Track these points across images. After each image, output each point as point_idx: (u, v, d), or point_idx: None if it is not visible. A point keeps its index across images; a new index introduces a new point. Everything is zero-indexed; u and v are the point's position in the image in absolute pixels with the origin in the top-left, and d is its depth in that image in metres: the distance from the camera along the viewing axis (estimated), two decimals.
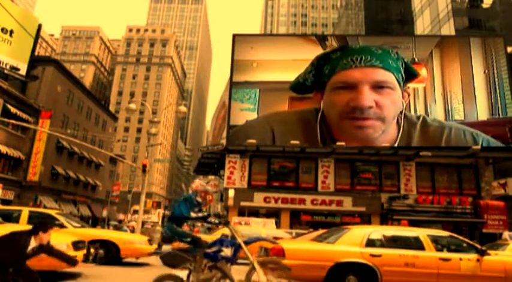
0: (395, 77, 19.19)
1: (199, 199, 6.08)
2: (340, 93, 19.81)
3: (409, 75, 20.14)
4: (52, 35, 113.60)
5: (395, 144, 21.97)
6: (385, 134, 21.10)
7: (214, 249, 5.76)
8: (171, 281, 5.52)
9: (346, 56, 19.82)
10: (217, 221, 6.01)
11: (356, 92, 19.33)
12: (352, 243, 6.96)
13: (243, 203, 23.37)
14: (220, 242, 5.86)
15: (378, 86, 19.19)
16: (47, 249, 4.72)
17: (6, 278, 4.47)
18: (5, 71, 27.61)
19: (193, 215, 5.96)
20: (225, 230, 14.25)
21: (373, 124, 19.89)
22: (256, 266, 5.65)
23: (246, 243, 5.80)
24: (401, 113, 21.37)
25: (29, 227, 4.79)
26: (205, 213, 6.09)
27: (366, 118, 19.57)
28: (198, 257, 5.68)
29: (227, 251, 5.76)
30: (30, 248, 4.51)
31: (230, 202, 23.19)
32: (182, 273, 5.32)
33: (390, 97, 19.46)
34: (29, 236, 4.51)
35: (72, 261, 4.93)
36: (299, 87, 21.09)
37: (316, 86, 20.66)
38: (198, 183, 6.19)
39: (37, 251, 4.64)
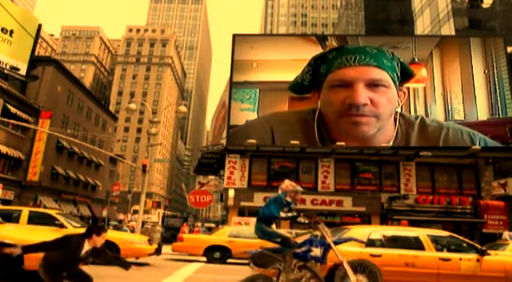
0: (390, 76, 19.62)
1: (288, 199, 6.05)
2: (336, 91, 20.19)
3: (406, 75, 20.52)
4: (52, 35, 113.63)
5: (391, 143, 22.05)
6: (382, 133, 21.26)
7: (303, 249, 5.75)
8: (261, 280, 5.61)
9: (341, 55, 20.29)
10: (306, 221, 5.98)
11: (351, 90, 19.74)
12: (352, 243, 6.95)
13: (243, 203, 23.37)
14: (310, 242, 5.86)
15: (373, 84, 19.64)
16: (100, 252, 4.73)
17: (59, 280, 4.49)
18: (5, 71, 27.61)
19: (282, 215, 5.97)
20: (225, 230, 14.26)
21: (369, 121, 20.25)
22: (346, 266, 5.67)
23: (336, 243, 5.82)
24: (397, 111, 21.62)
25: (29, 227, 4.79)
26: (295, 213, 6.04)
27: (361, 115, 19.91)
28: (287, 257, 5.67)
29: (317, 251, 5.76)
30: (83, 251, 4.52)
31: (230, 202, 23.19)
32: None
33: (385, 95, 19.85)
34: (82, 239, 4.51)
35: (125, 265, 4.92)
36: (297, 87, 21.45)
37: (314, 86, 21.05)
38: (288, 183, 6.14)
39: (90, 254, 4.65)
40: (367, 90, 19.60)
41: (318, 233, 5.96)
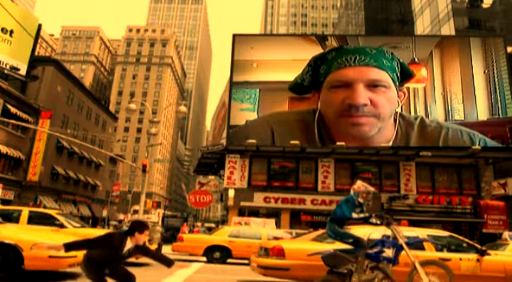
0: (390, 76, 19.61)
1: (360, 200, 6.06)
2: (336, 91, 20.19)
3: (405, 75, 20.51)
4: (52, 35, 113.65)
5: (391, 143, 22.05)
6: (382, 133, 21.27)
7: (376, 250, 5.76)
8: (335, 280, 5.64)
9: (341, 55, 20.28)
10: (378, 222, 5.96)
11: (351, 90, 19.74)
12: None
13: (243, 203, 23.37)
14: (382, 242, 5.86)
15: (372, 85, 19.64)
16: (142, 250, 4.71)
17: (102, 279, 4.49)
18: (5, 71, 27.60)
19: (355, 215, 5.97)
20: (225, 230, 14.25)
21: (368, 121, 20.27)
22: (418, 267, 5.67)
23: (408, 244, 5.81)
24: (397, 112, 21.62)
25: (30, 227, 4.79)
26: (367, 214, 6.04)
27: (361, 115, 19.90)
28: (359, 257, 5.69)
29: (389, 252, 5.76)
30: (126, 248, 4.51)
31: (230, 202, 23.19)
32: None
33: (385, 95, 19.84)
34: (125, 237, 4.50)
35: (168, 262, 4.88)
36: (297, 87, 21.45)
37: (314, 86, 21.05)
38: (360, 184, 6.15)
39: (133, 252, 4.63)
40: (366, 91, 19.59)
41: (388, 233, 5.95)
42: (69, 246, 4.50)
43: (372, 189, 6.05)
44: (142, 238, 4.54)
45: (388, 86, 19.74)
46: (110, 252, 4.44)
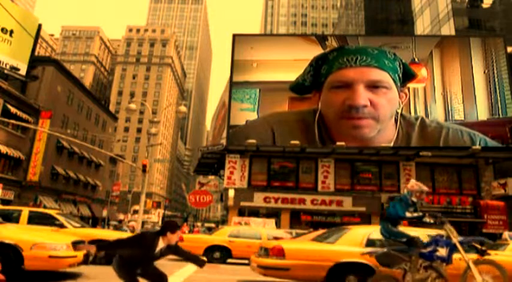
0: (391, 77, 19.44)
1: (414, 199, 6.07)
2: (336, 92, 20.12)
3: (407, 75, 20.38)
4: (52, 35, 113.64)
5: (392, 144, 22.03)
6: (383, 134, 21.24)
7: (429, 249, 5.76)
8: (386, 281, 5.64)
9: (342, 56, 20.17)
10: (432, 221, 5.96)
11: (351, 91, 19.65)
12: (352, 243, 6.96)
13: (243, 203, 23.37)
14: (436, 241, 5.89)
15: (373, 86, 19.51)
16: (174, 250, 4.73)
17: (134, 279, 4.51)
18: (5, 71, 27.59)
19: (408, 215, 5.99)
20: (225, 230, 14.25)
21: (368, 123, 20.21)
22: (472, 266, 5.65)
23: (462, 243, 5.82)
24: (397, 112, 21.57)
25: (29, 227, 4.80)
26: (421, 214, 6.05)
27: (360, 117, 19.89)
28: (413, 257, 5.69)
29: (442, 251, 5.76)
30: (158, 248, 4.52)
31: (230, 202, 23.20)
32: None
33: (386, 96, 19.70)
34: (157, 237, 4.51)
35: (200, 262, 4.91)
36: (298, 87, 21.36)
37: (315, 86, 20.95)
38: (414, 183, 6.14)
39: (165, 252, 4.65)
40: (367, 92, 19.47)
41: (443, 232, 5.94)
42: (101, 246, 4.56)
43: (425, 188, 6.06)
44: (174, 238, 4.56)
45: (389, 86, 19.60)
46: (142, 252, 4.46)
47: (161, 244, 4.52)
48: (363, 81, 19.50)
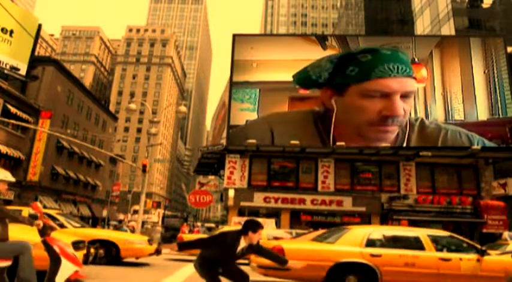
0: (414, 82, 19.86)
1: None
2: (372, 101, 19.55)
3: None
4: (52, 35, 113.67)
5: (391, 144, 22.06)
6: None
7: None
8: None
9: (381, 62, 19.39)
10: None
11: (389, 101, 19.27)
12: (352, 243, 6.96)
13: (243, 203, 23.37)
14: None
15: (406, 96, 19.54)
16: (256, 249, 4.69)
17: (216, 278, 4.52)
18: (5, 71, 27.59)
19: None
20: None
21: (396, 129, 20.74)
22: None
23: None
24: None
25: (30, 227, 4.80)
26: None
27: (394, 125, 20.19)
28: None
29: None
30: (239, 248, 4.52)
31: (230, 202, 23.19)
32: None
33: (410, 103, 20.31)
34: (238, 236, 4.51)
35: (282, 261, 4.86)
36: (307, 81, 20.94)
37: (329, 84, 20.34)
38: None
39: (246, 251, 4.63)
40: (401, 101, 19.40)
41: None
42: (182, 245, 4.60)
43: None
44: (255, 237, 4.53)
45: (413, 93, 20.04)
46: (223, 251, 4.47)
47: (242, 243, 4.52)
48: (400, 91, 19.28)
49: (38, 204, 5.26)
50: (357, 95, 19.68)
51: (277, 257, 4.90)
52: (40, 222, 4.76)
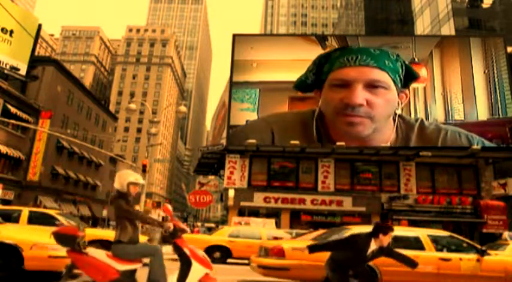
0: (391, 78, 19.38)
1: None
2: (335, 90, 20.15)
3: (410, 77, 20.23)
4: (52, 35, 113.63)
5: (392, 144, 22.04)
6: (381, 134, 21.26)
7: None
8: None
9: (344, 55, 20.25)
10: None
11: (350, 90, 19.66)
12: None
13: (243, 203, 23.37)
14: None
15: (372, 85, 19.48)
16: (386, 251, 4.70)
17: (346, 280, 4.55)
18: (5, 71, 27.59)
19: None
20: (225, 230, 14.23)
21: (363, 121, 20.17)
22: None
23: None
24: (397, 113, 21.58)
25: (29, 227, 4.80)
26: None
27: (355, 115, 19.88)
28: None
29: None
30: (370, 250, 4.53)
31: (230, 202, 23.19)
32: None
33: (384, 97, 19.71)
34: (369, 239, 4.52)
35: (414, 264, 4.85)
36: (301, 85, 21.34)
37: (317, 85, 20.90)
38: None
39: (376, 254, 4.64)
40: (365, 91, 19.50)
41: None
42: (313, 248, 4.64)
43: None
44: (386, 240, 4.54)
45: (387, 87, 19.59)
46: (354, 254, 4.50)
47: (373, 246, 4.53)
48: (361, 80, 19.55)
49: (169, 206, 5.28)
50: (327, 87, 20.42)
51: (409, 260, 4.88)
52: (171, 225, 4.77)
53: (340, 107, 20.00)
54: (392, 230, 4.61)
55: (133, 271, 4.69)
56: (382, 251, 4.64)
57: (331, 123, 21.49)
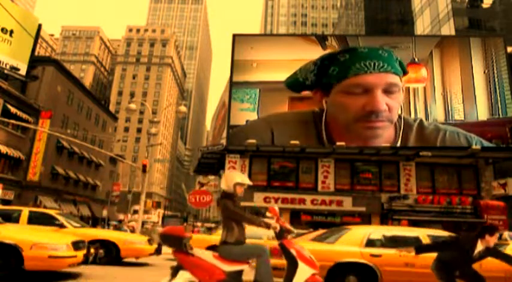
0: (400, 79, 19.64)
1: None
2: (353, 97, 19.76)
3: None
4: (52, 35, 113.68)
5: (390, 144, 22.07)
6: (385, 133, 21.31)
7: None
8: None
9: (358, 60, 19.78)
10: None
11: (370, 96, 19.40)
12: (352, 243, 6.95)
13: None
14: None
15: (388, 91, 19.50)
16: (493, 252, 4.72)
17: (453, 280, 4.59)
18: (5, 71, 27.60)
19: None
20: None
21: (384, 125, 20.37)
22: None
23: None
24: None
25: (30, 227, 4.79)
26: None
27: (379, 121, 19.97)
28: None
29: None
30: (476, 251, 4.57)
31: None
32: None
33: (397, 99, 20.00)
34: (475, 239, 4.56)
35: None
36: (295, 85, 21.21)
37: (317, 86, 20.68)
38: None
39: (483, 254, 4.66)
40: (384, 96, 19.40)
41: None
42: (419, 249, 4.78)
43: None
44: (492, 240, 4.58)
45: (399, 89, 19.84)
46: (460, 254, 4.54)
47: (479, 246, 4.56)
48: (380, 86, 19.38)
49: (275, 207, 5.23)
50: (340, 93, 20.05)
51: None
52: (277, 226, 4.76)
53: (362, 114, 19.76)
54: (498, 230, 4.66)
55: (240, 272, 4.68)
56: (488, 252, 4.66)
57: (342, 127, 21.21)
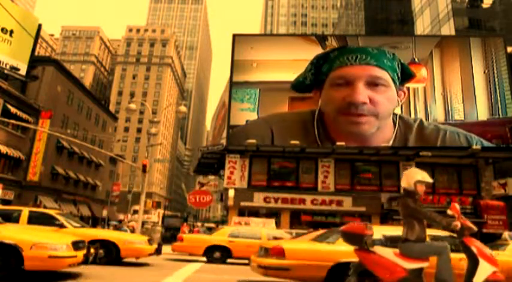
0: (390, 76, 19.85)
1: None
2: (337, 89, 20.40)
3: (406, 75, 20.83)
4: (52, 35, 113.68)
5: (390, 144, 22.11)
6: (381, 132, 21.39)
7: None
8: None
9: (343, 54, 20.56)
10: None
11: (351, 88, 19.93)
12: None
13: (243, 203, 23.35)
14: None
15: (373, 83, 19.82)
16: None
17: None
18: (5, 71, 27.58)
19: None
20: (225, 230, 14.22)
21: (368, 120, 20.47)
22: None
23: None
24: (396, 114, 21.81)
25: (30, 227, 4.79)
26: None
27: (360, 114, 20.10)
28: None
29: None
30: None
31: (230, 202, 23.18)
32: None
33: (384, 94, 20.06)
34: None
35: None
36: (299, 85, 21.63)
37: (315, 85, 21.19)
38: None
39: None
40: (366, 89, 19.76)
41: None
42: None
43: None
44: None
45: (387, 84, 19.93)
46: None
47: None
48: (362, 78, 19.83)
49: (456, 205, 5.19)
50: (327, 87, 20.67)
51: None
52: (458, 223, 4.79)
53: (343, 106, 20.17)
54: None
55: (421, 270, 4.70)
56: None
57: (331, 123, 21.60)
